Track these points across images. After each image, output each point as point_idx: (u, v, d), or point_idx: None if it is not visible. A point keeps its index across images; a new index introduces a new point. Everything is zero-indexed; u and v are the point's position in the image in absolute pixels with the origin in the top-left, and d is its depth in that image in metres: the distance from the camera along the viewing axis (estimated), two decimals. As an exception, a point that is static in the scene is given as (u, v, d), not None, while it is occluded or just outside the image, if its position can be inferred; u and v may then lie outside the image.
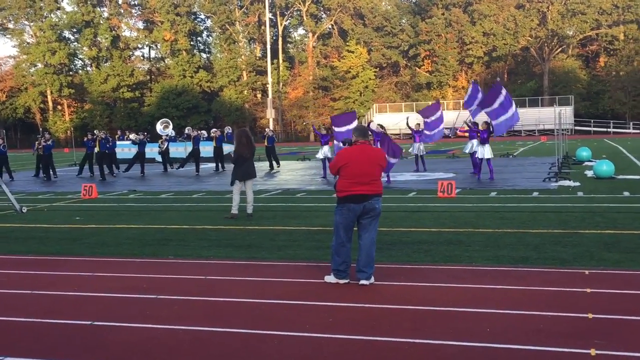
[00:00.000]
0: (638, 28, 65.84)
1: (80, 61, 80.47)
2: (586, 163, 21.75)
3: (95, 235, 10.25)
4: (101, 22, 75.08)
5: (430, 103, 37.50)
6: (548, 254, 7.69)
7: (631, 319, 5.22)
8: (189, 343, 4.95)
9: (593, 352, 4.46)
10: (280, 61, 74.66)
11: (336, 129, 17.61)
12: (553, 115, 22.95)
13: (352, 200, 6.44)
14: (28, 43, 76.68)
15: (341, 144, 17.08)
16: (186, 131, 26.30)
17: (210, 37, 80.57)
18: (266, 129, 27.56)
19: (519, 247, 8.19)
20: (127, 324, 5.47)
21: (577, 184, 15.38)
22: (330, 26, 76.75)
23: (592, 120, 61.42)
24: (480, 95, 18.95)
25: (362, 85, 70.58)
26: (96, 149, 22.25)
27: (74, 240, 9.86)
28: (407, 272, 7.01)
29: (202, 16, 78.54)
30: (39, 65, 75.17)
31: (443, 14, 69.67)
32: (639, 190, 13.77)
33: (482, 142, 17.24)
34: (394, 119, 54.67)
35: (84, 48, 76.36)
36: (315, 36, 76.08)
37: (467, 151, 19.03)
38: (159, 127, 27.83)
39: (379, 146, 15.88)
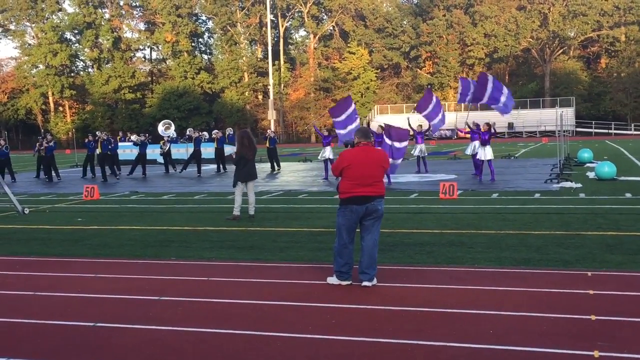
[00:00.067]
0: (639, 29, 65.84)
1: (81, 62, 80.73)
2: (588, 164, 21.74)
3: (98, 236, 10.26)
4: (102, 23, 75.23)
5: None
6: (550, 256, 7.69)
7: (634, 320, 5.21)
8: (192, 344, 4.95)
9: (596, 354, 4.46)
10: (282, 62, 74.74)
11: (335, 120, 17.75)
12: (554, 117, 22.96)
13: (355, 201, 6.44)
14: (29, 44, 76.86)
15: (342, 132, 17.28)
16: (188, 132, 26.33)
17: (211, 39, 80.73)
18: (268, 131, 27.57)
19: (521, 248, 8.18)
20: (129, 326, 5.47)
21: (579, 185, 15.38)
22: (331, 27, 76.82)
23: (593, 122, 61.39)
24: (472, 87, 18.93)
25: (363, 86, 70.60)
26: (98, 150, 22.27)
27: (76, 241, 9.87)
28: (409, 274, 7.00)
29: (204, 17, 78.72)
30: (41, 66, 75.33)
31: (444, 15, 69.71)
32: (640, 192, 13.77)
33: (483, 143, 17.25)
34: (395, 121, 54.61)
35: (86, 49, 76.50)
36: (317, 37, 76.13)
37: (468, 153, 19.03)
38: (160, 128, 27.85)
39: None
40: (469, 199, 13.56)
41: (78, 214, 13.14)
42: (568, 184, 15.45)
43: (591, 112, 65.17)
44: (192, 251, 8.74)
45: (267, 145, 24.48)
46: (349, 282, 6.58)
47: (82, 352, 4.89)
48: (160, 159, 26.27)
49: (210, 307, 6.01)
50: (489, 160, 17.33)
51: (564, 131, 23.18)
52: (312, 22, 75.30)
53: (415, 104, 66.20)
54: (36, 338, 5.24)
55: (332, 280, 6.66)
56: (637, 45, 65.96)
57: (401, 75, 73.96)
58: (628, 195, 13.36)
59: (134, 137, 27.34)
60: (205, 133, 27.89)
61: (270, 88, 65.48)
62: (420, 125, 21.01)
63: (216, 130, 26.03)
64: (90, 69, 79.06)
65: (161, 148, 25.52)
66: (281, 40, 75.88)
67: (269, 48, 66.35)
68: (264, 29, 72.22)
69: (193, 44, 76.86)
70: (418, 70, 72.88)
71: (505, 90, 17.39)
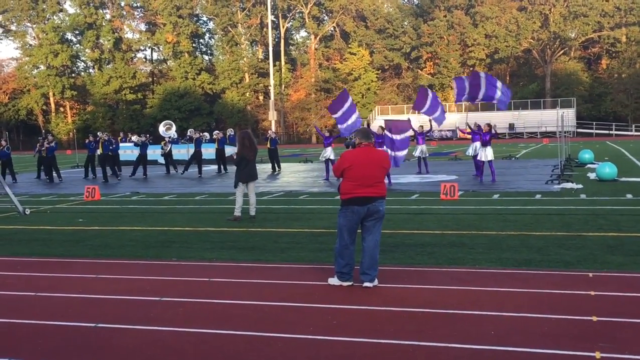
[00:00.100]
0: (640, 30, 65.91)
1: (82, 63, 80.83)
2: (589, 165, 21.73)
3: (99, 237, 10.26)
4: (103, 24, 75.30)
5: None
6: (551, 257, 7.69)
7: (636, 321, 5.21)
8: (193, 345, 4.95)
9: (598, 355, 4.46)
10: (282, 63, 74.77)
11: (335, 116, 17.93)
12: (555, 118, 22.96)
13: (356, 202, 6.43)
14: (30, 45, 76.94)
15: (343, 126, 17.46)
16: (189, 133, 26.34)
17: (212, 39, 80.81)
18: (269, 131, 27.59)
19: (522, 249, 8.18)
20: (130, 326, 5.47)
21: (580, 186, 15.38)
22: (332, 28, 76.85)
23: (594, 123, 61.37)
24: (467, 86, 18.93)
25: (364, 87, 70.64)
26: (99, 151, 22.28)
27: (77, 242, 9.87)
28: (410, 275, 7.00)
29: (205, 18, 78.80)
30: (42, 67, 75.41)
31: (445, 16, 69.72)
32: (642, 193, 13.76)
33: (484, 144, 17.26)
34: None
35: (87, 50, 76.58)
36: (317, 38, 76.16)
37: (469, 154, 19.03)
38: (161, 129, 27.87)
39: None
40: (470, 200, 13.55)
41: (79, 215, 13.14)
42: (569, 185, 15.45)
43: (592, 113, 65.16)
44: (193, 252, 8.74)
45: (269, 146, 24.48)
46: (350, 283, 6.57)
47: (83, 352, 4.89)
48: (161, 160, 26.28)
49: (211, 307, 6.00)
50: (489, 161, 17.33)
51: (564, 132, 23.17)
52: (313, 23, 75.34)
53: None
54: (37, 339, 5.24)
55: (333, 281, 6.66)
56: (637, 46, 65.95)
57: (402, 76, 73.97)
58: (629, 196, 13.35)
59: (134, 138, 27.34)
60: (206, 134, 27.92)
61: (271, 89, 65.52)
62: (422, 126, 21.01)
63: (217, 131, 26.05)
64: (91, 70, 79.16)
65: (162, 149, 25.52)
66: (282, 41, 75.92)
67: (270, 49, 66.40)
68: (264, 29, 72.26)
69: (194, 45, 76.92)
70: (419, 71, 72.89)
71: (499, 83, 17.41)
